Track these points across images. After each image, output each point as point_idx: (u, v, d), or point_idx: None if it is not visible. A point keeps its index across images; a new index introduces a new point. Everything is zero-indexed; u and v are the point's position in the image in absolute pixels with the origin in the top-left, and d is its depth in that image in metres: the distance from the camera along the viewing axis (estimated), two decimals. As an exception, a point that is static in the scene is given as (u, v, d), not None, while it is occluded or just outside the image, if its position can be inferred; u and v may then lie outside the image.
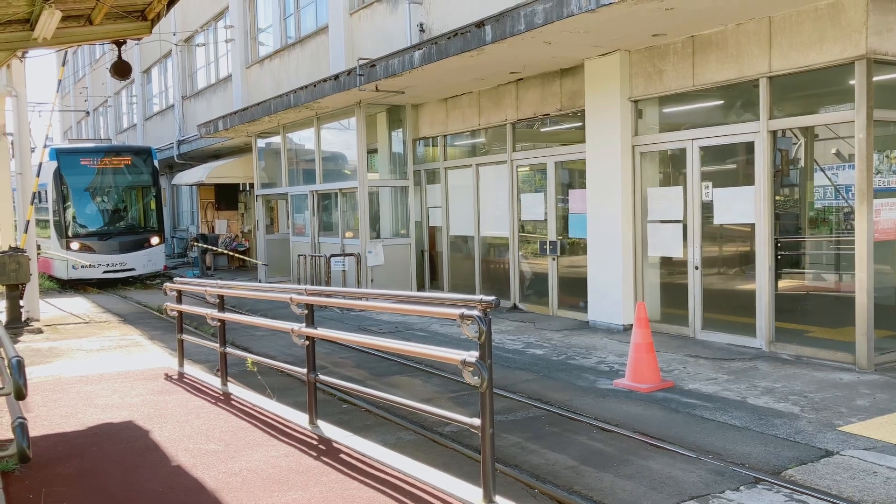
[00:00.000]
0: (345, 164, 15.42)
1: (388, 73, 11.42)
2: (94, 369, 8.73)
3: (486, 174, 12.96)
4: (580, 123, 10.95)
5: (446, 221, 13.98)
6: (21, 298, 12.37)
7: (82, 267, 18.88)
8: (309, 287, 5.89)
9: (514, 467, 5.35)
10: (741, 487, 4.86)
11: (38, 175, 14.34)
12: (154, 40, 21.11)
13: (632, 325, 7.59)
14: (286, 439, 5.61)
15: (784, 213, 8.85)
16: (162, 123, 28.95)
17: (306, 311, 5.73)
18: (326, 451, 5.28)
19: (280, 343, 10.27)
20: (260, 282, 17.68)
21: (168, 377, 8.07)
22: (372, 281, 13.84)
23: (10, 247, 12.45)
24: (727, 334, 9.07)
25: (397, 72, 11.20)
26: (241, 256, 22.08)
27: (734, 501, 4.66)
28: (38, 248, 15.98)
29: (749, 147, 8.74)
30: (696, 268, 9.35)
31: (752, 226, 8.69)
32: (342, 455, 5.18)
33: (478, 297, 3.97)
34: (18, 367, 4.44)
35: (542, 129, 12.31)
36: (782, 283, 8.68)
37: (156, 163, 20.94)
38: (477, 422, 4.02)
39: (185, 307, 8.41)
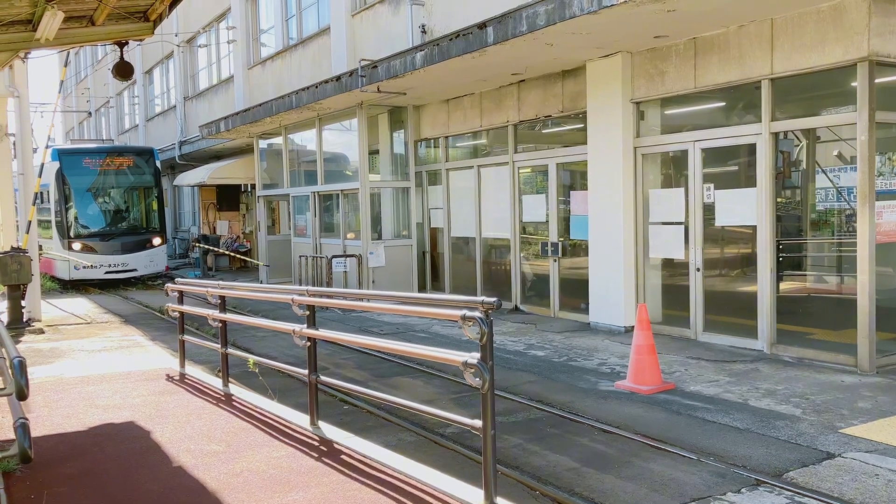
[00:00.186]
0: (346, 166, 15.44)
1: (390, 75, 11.43)
2: (95, 370, 8.74)
3: (488, 175, 12.96)
4: (582, 125, 10.96)
5: (448, 223, 13.98)
6: (23, 299, 12.39)
7: (84, 267, 18.89)
8: (310, 288, 5.89)
9: (516, 469, 5.34)
10: (742, 489, 4.85)
11: (39, 175, 14.35)
12: (156, 41, 21.14)
13: (633, 327, 7.59)
14: (287, 440, 5.61)
15: (786, 215, 8.84)
16: (164, 124, 28.98)
17: (308, 312, 5.73)
18: (328, 452, 5.28)
19: (281, 344, 10.27)
20: (261, 283, 17.68)
21: (169, 378, 8.08)
22: (373, 282, 13.83)
23: (12, 247, 12.47)
24: (728, 336, 9.06)
25: (399, 73, 11.20)
26: (242, 257, 22.08)
27: (735, 503, 4.66)
28: (40, 248, 16.00)
29: (751, 149, 8.74)
30: (698, 269, 9.34)
31: (754, 228, 8.68)
32: (343, 456, 5.18)
33: (479, 298, 3.97)
34: (20, 368, 4.45)
35: (543, 131, 12.31)
36: (784, 285, 8.67)
37: (158, 163, 20.95)
38: (478, 423, 4.02)
39: (186, 308, 8.41)
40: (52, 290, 19.11)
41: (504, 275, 12.79)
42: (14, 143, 13.83)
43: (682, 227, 9.56)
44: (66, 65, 15.31)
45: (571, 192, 11.43)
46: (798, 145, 8.84)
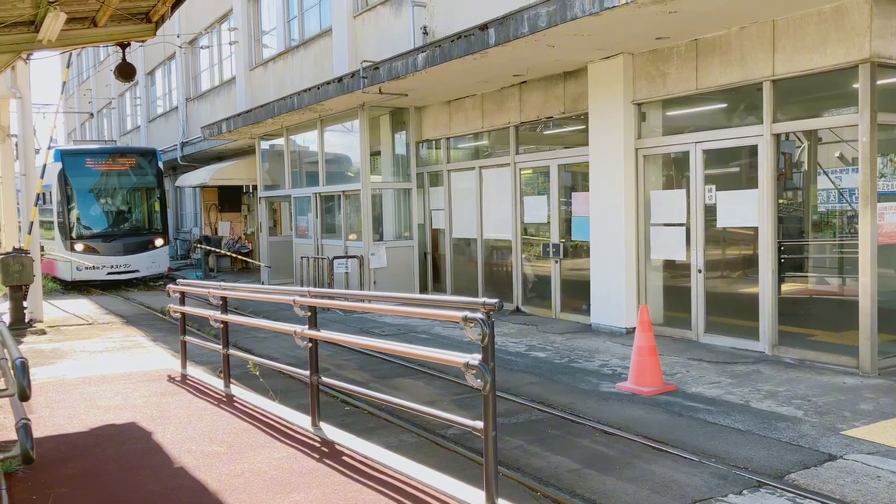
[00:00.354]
0: (348, 167, 15.44)
1: (392, 76, 11.44)
2: (97, 371, 8.75)
3: (489, 177, 12.96)
4: (583, 126, 10.96)
5: (449, 224, 13.98)
6: (25, 300, 12.40)
7: (86, 268, 18.90)
8: (312, 289, 5.89)
9: (517, 470, 5.34)
10: (744, 491, 4.85)
11: (42, 176, 14.37)
12: (158, 42, 21.19)
13: (635, 329, 7.59)
14: (289, 441, 5.61)
15: (787, 216, 8.84)
16: (165, 125, 29.01)
17: (309, 314, 5.74)
18: (329, 454, 5.28)
19: (283, 345, 10.28)
20: (263, 284, 17.69)
21: (171, 379, 8.08)
22: (375, 283, 13.84)
23: (14, 248, 12.48)
24: (730, 338, 9.06)
25: (401, 74, 11.21)
26: (244, 258, 22.09)
27: (737, 505, 4.66)
28: (42, 249, 16.01)
29: (752, 150, 8.74)
30: (699, 271, 9.34)
31: (756, 229, 8.68)
32: (344, 457, 5.18)
33: (481, 299, 3.98)
34: (22, 369, 4.45)
35: (545, 132, 12.31)
36: (785, 287, 8.67)
37: (160, 164, 20.95)
38: (479, 424, 4.02)
39: (188, 309, 8.42)
40: (54, 291, 19.13)
41: (505, 276, 12.79)
42: (16, 144, 13.87)
43: (684, 228, 9.56)
44: (68, 66, 15.31)
45: (573, 194, 11.44)
46: (800, 147, 8.83)
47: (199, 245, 22.53)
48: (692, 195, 9.40)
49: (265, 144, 18.84)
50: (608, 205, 10.30)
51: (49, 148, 17.68)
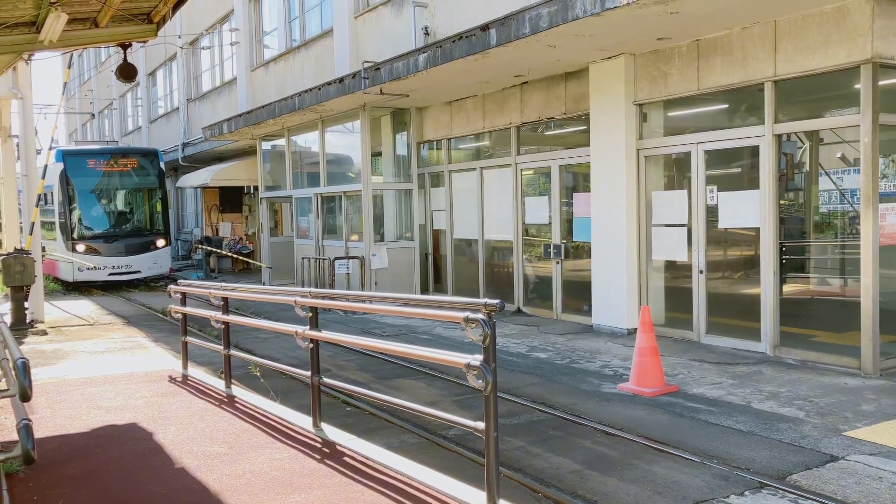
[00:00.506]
0: (349, 167, 15.44)
1: (393, 77, 11.44)
2: (98, 371, 8.75)
3: (491, 177, 12.96)
4: (584, 127, 10.95)
5: (450, 225, 13.98)
6: (26, 300, 12.41)
7: (88, 269, 18.91)
8: (313, 290, 5.89)
9: (518, 471, 5.34)
10: (746, 492, 4.84)
11: (43, 177, 14.38)
12: (159, 43, 21.22)
13: (636, 329, 7.58)
14: (290, 442, 5.61)
15: (789, 217, 8.83)
16: (167, 126, 29.03)
17: (310, 314, 5.73)
18: (330, 454, 5.28)
19: (284, 345, 10.28)
20: (264, 284, 17.69)
21: (172, 379, 8.08)
22: (376, 284, 13.84)
23: (16, 248, 12.49)
24: (732, 338, 9.05)
25: (402, 75, 11.21)
26: (245, 259, 22.10)
27: (739, 506, 4.66)
28: (44, 250, 16.02)
29: (754, 151, 8.73)
30: (701, 272, 9.33)
31: (757, 230, 8.67)
32: (346, 458, 5.18)
33: (482, 300, 3.97)
34: (24, 369, 4.45)
35: (546, 133, 12.31)
36: (787, 288, 8.66)
37: (162, 165, 20.96)
38: (481, 425, 4.01)
39: (189, 309, 8.42)
40: (56, 292, 19.14)
41: (507, 277, 12.78)
42: (17, 145, 13.86)
43: (685, 229, 9.55)
44: (69, 67, 15.32)
45: (574, 194, 11.43)
46: (801, 147, 8.82)
47: (200, 246, 22.53)
48: (693, 196, 9.40)
49: (266, 145, 18.85)
50: (609, 205, 10.29)
51: (50, 148, 17.67)
